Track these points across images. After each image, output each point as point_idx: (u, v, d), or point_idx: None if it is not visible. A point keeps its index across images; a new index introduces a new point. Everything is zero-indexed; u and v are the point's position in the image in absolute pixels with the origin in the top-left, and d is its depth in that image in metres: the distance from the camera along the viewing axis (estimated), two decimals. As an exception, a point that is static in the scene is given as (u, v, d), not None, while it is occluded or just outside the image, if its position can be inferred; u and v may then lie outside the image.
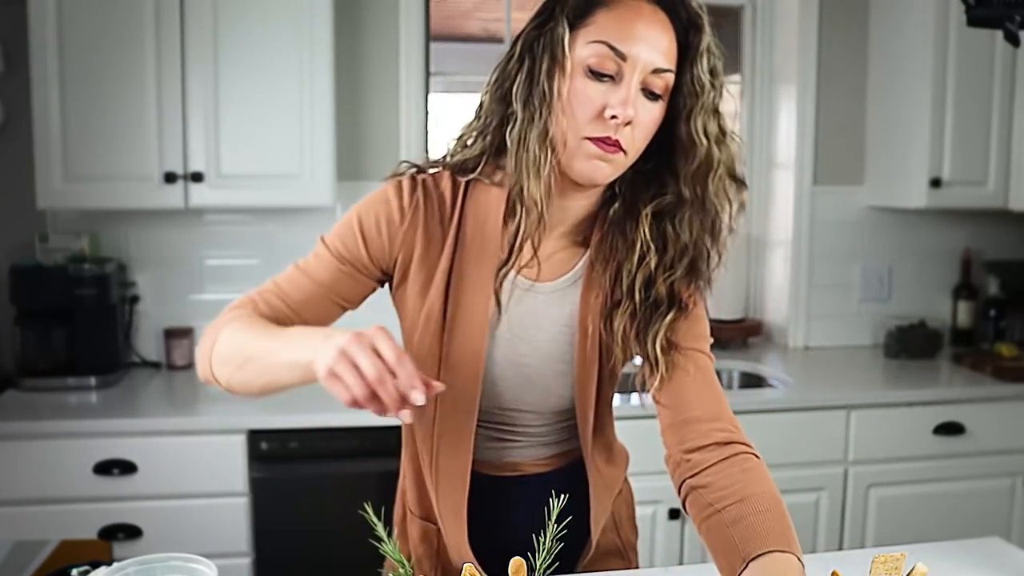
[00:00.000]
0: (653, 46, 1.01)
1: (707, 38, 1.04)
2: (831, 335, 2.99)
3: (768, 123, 3.02)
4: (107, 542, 2.03)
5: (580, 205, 1.12)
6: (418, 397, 0.89)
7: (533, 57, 1.05)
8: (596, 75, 1.01)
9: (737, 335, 2.95)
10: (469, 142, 1.15)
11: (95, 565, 1.25)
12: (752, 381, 2.74)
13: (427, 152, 2.78)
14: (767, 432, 2.37)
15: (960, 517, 2.50)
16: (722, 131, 1.07)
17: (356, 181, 2.68)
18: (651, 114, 1.03)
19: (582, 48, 1.02)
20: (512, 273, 1.12)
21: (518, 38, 1.08)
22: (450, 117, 3.00)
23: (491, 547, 1.13)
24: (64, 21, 2.21)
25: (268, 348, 1.03)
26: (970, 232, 3.04)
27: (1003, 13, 1.35)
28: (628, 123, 1.01)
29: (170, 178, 2.30)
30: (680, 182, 1.08)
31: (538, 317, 1.15)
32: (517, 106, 1.05)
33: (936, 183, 2.65)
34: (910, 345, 2.83)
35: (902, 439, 2.46)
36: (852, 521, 2.46)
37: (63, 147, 2.25)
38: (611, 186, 1.12)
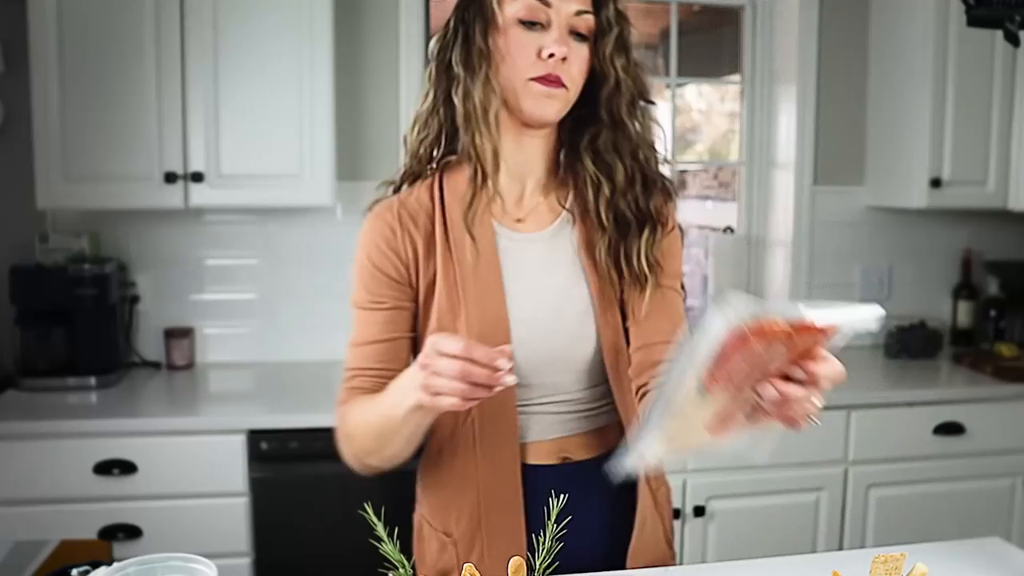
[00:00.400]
0: None
1: None
2: (831, 335, 2.98)
3: (768, 123, 3.02)
4: (107, 542, 2.03)
5: (537, 147, 1.22)
6: (504, 363, 0.95)
7: (466, 23, 1.17)
8: (528, 24, 1.14)
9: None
10: (422, 126, 1.24)
11: (95, 565, 1.25)
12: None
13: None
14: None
15: (960, 517, 2.50)
16: (629, 62, 1.19)
17: (356, 181, 2.68)
18: (581, 52, 1.16)
19: (510, 5, 1.15)
20: (505, 229, 1.22)
21: (452, 14, 1.20)
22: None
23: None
24: (64, 21, 2.22)
25: (385, 419, 1.12)
26: (970, 232, 3.04)
27: (1003, 13, 1.35)
28: (564, 59, 1.13)
29: (170, 178, 2.30)
30: (601, 111, 1.21)
31: (544, 264, 1.22)
32: (458, 69, 1.17)
33: (936, 183, 2.65)
34: (910, 345, 2.83)
35: (902, 439, 2.46)
36: (852, 521, 2.46)
37: (63, 147, 2.25)
38: (558, 135, 1.24)
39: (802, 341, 0.84)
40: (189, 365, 2.61)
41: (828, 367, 0.89)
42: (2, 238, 2.51)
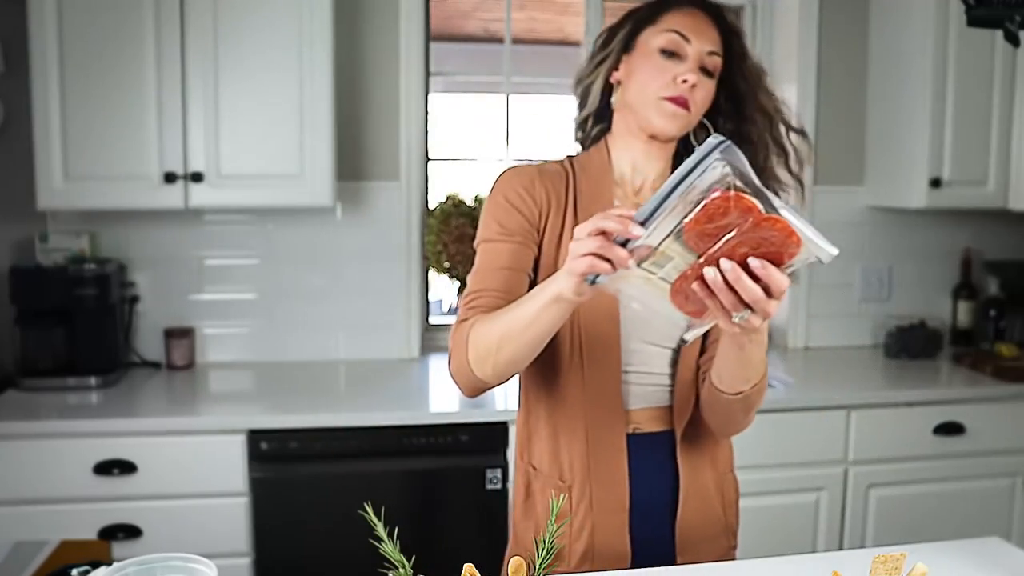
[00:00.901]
0: (707, 36, 1.32)
1: (746, 39, 1.39)
2: (831, 335, 2.99)
3: (768, 123, 3.01)
4: (107, 542, 2.03)
5: (659, 155, 1.38)
6: (636, 229, 0.96)
7: (611, 46, 1.39)
8: (667, 54, 1.31)
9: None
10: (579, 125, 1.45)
11: (95, 565, 1.25)
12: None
13: (427, 152, 2.78)
14: (767, 432, 2.37)
15: (960, 517, 2.50)
16: (777, 103, 1.39)
17: (356, 181, 2.68)
18: (706, 85, 1.32)
19: (654, 37, 1.32)
20: (624, 207, 1.30)
21: (610, 30, 1.41)
22: (450, 117, 3.00)
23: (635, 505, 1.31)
24: (64, 21, 2.22)
25: (514, 317, 1.17)
26: (970, 232, 3.04)
27: (1003, 13, 1.35)
28: (693, 86, 1.29)
29: (170, 178, 2.30)
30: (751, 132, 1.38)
31: None
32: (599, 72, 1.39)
33: (936, 183, 2.65)
34: (910, 345, 2.84)
35: (902, 439, 2.46)
36: (852, 521, 2.46)
37: (63, 147, 2.25)
38: (677, 145, 1.40)
39: (766, 233, 0.92)
40: (189, 365, 2.61)
41: (780, 276, 0.95)
42: (2, 238, 2.51)
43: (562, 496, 0.97)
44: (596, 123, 1.43)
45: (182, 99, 2.29)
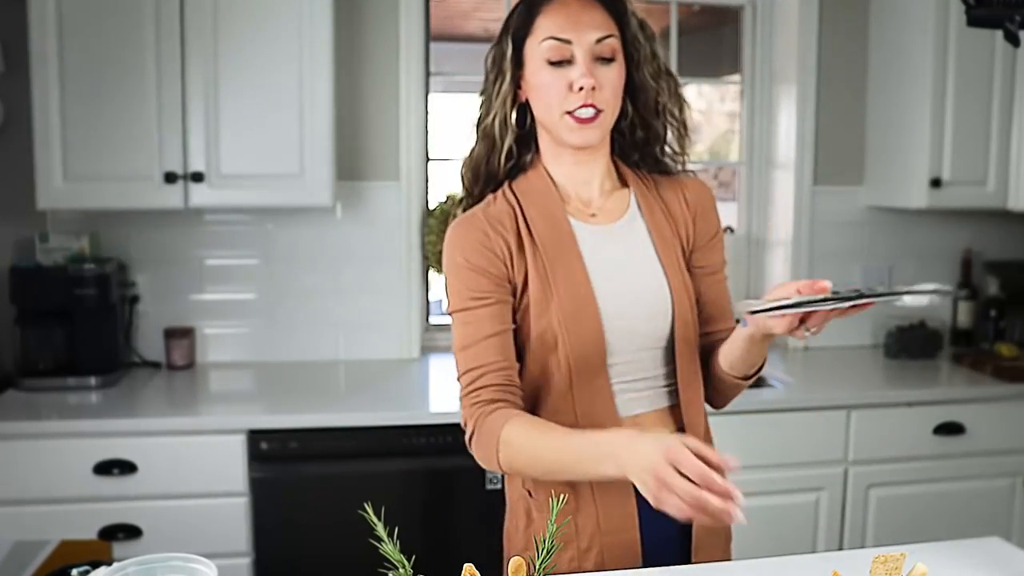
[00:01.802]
0: (587, 24, 1.25)
1: (628, 4, 1.31)
2: (831, 335, 2.96)
3: (768, 123, 3.02)
4: (107, 542, 2.03)
5: (595, 162, 1.34)
6: (739, 516, 0.97)
7: (501, 73, 1.32)
8: (554, 64, 1.25)
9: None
10: (487, 145, 1.37)
11: (95, 565, 1.25)
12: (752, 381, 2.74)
13: (427, 152, 2.78)
14: (767, 432, 2.37)
15: (960, 517, 2.50)
16: (660, 72, 1.34)
17: (355, 181, 2.68)
18: (610, 74, 1.26)
19: (535, 50, 1.27)
20: (580, 222, 1.32)
21: (488, 58, 1.34)
22: (450, 117, 3.00)
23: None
24: (64, 21, 2.22)
25: (561, 461, 1.17)
26: (970, 232, 3.04)
27: (1003, 13, 1.35)
28: (593, 88, 1.24)
29: (170, 178, 2.30)
30: (634, 117, 1.36)
31: (619, 250, 1.33)
32: (494, 104, 1.32)
33: (936, 183, 2.65)
34: (910, 345, 2.83)
35: (902, 439, 2.46)
36: (852, 521, 2.46)
37: (63, 147, 2.25)
38: (612, 143, 1.37)
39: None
40: (189, 365, 2.61)
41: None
42: (2, 238, 2.51)
43: (562, 496, 0.95)
44: (522, 150, 1.36)
45: (182, 99, 2.29)
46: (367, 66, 2.67)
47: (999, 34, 1.38)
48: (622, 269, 1.32)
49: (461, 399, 1.28)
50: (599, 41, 1.25)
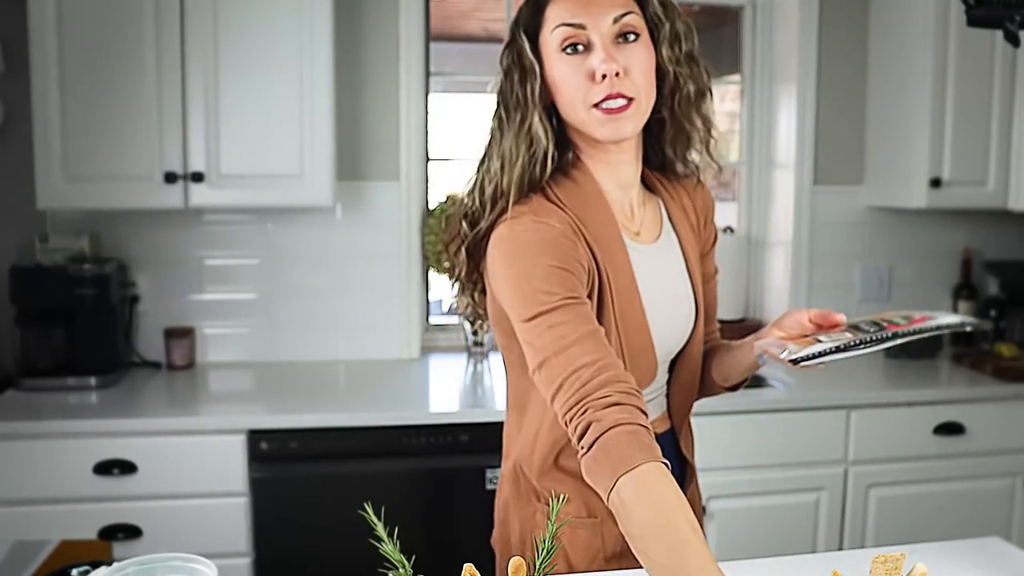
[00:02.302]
0: (601, 3, 1.12)
1: None
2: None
3: (768, 123, 3.02)
4: (107, 542, 2.03)
5: (628, 161, 1.22)
6: None
7: (509, 74, 1.20)
8: (570, 53, 1.13)
9: (737, 336, 2.94)
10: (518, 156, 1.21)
11: (95, 565, 1.25)
12: (752, 381, 2.71)
13: (427, 152, 2.78)
14: (767, 432, 2.37)
15: (960, 517, 2.50)
16: (682, 55, 1.18)
17: (356, 181, 2.68)
18: (637, 53, 1.13)
19: (549, 39, 1.15)
20: (629, 241, 1.22)
21: (500, 64, 1.23)
22: (450, 117, 3.00)
23: None
24: (64, 21, 2.22)
25: (664, 568, 0.91)
26: (970, 232, 3.04)
27: (1003, 13, 1.35)
28: (617, 73, 1.10)
29: (170, 178, 2.30)
30: (663, 110, 1.21)
31: (662, 272, 1.26)
32: (497, 120, 1.22)
33: (936, 183, 2.65)
34: (910, 345, 2.82)
35: (902, 439, 2.46)
36: (852, 521, 2.46)
37: (63, 147, 2.25)
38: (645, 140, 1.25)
39: None
40: (189, 365, 2.61)
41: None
42: (2, 238, 2.51)
43: (562, 496, 0.92)
44: (561, 152, 1.20)
45: (182, 99, 2.29)
46: (367, 66, 2.67)
47: (999, 34, 1.38)
48: (666, 295, 1.25)
49: (566, 413, 1.03)
50: (617, 20, 1.12)
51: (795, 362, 1.10)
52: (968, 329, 1.12)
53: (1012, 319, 2.94)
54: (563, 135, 1.21)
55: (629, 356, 1.17)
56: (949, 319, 1.11)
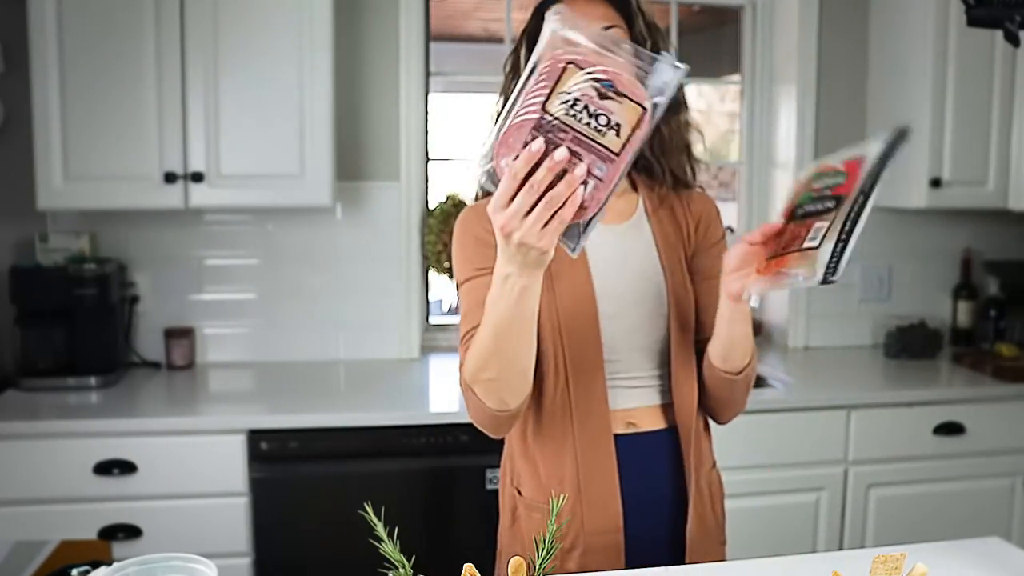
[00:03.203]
0: (590, 16, 1.25)
1: (637, 2, 1.33)
2: (831, 335, 2.99)
3: (768, 123, 3.02)
4: (107, 542, 2.03)
5: None
6: (560, 152, 0.93)
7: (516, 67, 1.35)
8: None
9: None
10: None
11: (95, 565, 1.25)
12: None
13: (427, 152, 2.78)
14: (767, 432, 2.37)
15: (960, 517, 2.50)
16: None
17: (356, 181, 2.68)
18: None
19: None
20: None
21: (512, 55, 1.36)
22: (450, 117, 3.00)
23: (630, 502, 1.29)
24: (64, 21, 2.22)
25: (486, 329, 1.13)
26: (970, 232, 3.04)
27: (1003, 13, 1.35)
28: None
29: (170, 178, 2.30)
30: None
31: (623, 251, 1.36)
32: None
33: (936, 183, 2.65)
34: (910, 345, 2.83)
35: (902, 439, 2.46)
36: (852, 521, 2.46)
37: (63, 147, 2.25)
38: None
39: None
40: (189, 365, 2.61)
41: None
42: (2, 238, 2.51)
43: (562, 496, 0.95)
44: None
45: (182, 99, 2.29)
46: (367, 66, 2.67)
47: (999, 34, 1.38)
48: (624, 269, 1.34)
49: (461, 364, 1.26)
50: (603, 31, 1.23)
51: (826, 281, 1.09)
52: (901, 144, 1.08)
53: (1012, 319, 2.94)
54: None
55: (568, 316, 1.30)
56: (874, 148, 1.10)
